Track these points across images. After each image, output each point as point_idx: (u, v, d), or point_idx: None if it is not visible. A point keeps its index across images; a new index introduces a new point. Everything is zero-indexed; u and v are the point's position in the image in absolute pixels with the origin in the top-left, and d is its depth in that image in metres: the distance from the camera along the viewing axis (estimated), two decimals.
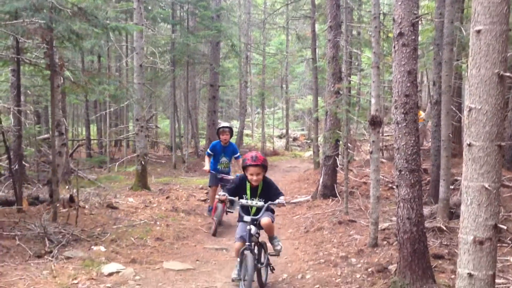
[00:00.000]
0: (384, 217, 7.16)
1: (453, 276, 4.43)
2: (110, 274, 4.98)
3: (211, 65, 16.78)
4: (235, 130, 14.47)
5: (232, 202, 4.64)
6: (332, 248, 5.99)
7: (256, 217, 4.46)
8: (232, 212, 7.40)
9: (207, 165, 7.66)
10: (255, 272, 4.38)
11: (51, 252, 5.55)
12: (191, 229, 7.46)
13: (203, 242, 6.87)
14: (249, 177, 4.51)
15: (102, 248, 5.89)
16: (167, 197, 9.54)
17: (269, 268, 4.82)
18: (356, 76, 14.59)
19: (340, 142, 8.95)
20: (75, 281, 4.71)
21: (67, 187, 9.16)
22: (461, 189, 2.65)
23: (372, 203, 5.87)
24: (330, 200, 8.97)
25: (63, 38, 6.62)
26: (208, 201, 8.53)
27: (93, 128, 20.78)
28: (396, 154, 4.32)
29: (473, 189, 2.51)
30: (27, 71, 9.90)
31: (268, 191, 4.59)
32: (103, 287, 4.67)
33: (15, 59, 7.23)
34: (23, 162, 8.47)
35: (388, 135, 15.89)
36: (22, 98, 10.57)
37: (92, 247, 5.91)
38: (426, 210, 6.30)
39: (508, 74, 2.43)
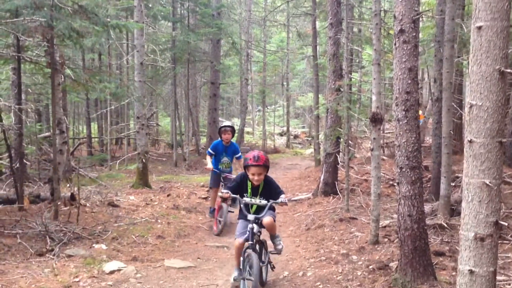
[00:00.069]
0: (385, 214, 7.16)
1: (454, 273, 4.42)
2: (112, 272, 4.99)
3: (212, 62, 16.79)
4: (236, 128, 14.44)
5: (234, 200, 4.61)
6: (333, 246, 5.99)
7: (259, 216, 4.45)
8: (232, 212, 7.38)
9: (209, 164, 7.43)
10: None
11: (52, 250, 5.56)
12: (192, 227, 7.47)
13: (204, 240, 6.88)
14: (251, 176, 4.49)
15: (103, 246, 5.90)
16: (168, 195, 9.54)
17: (269, 266, 4.83)
18: (357, 73, 14.58)
19: (341, 139, 8.94)
20: (77, 279, 4.73)
21: (68, 185, 9.18)
22: (462, 186, 2.65)
23: (373, 200, 5.87)
24: (331, 197, 8.97)
25: (64, 36, 6.63)
26: (209, 199, 8.51)
27: (94, 126, 20.83)
28: (397, 151, 4.31)
29: (474, 185, 2.51)
30: (28, 69, 9.88)
31: (269, 190, 4.58)
32: (104, 285, 4.68)
33: (16, 57, 7.23)
34: (24, 160, 8.46)
35: (389, 132, 15.87)
36: (23, 96, 10.55)
37: (93, 245, 5.92)
38: (427, 207, 6.29)
39: (509, 70, 2.42)
